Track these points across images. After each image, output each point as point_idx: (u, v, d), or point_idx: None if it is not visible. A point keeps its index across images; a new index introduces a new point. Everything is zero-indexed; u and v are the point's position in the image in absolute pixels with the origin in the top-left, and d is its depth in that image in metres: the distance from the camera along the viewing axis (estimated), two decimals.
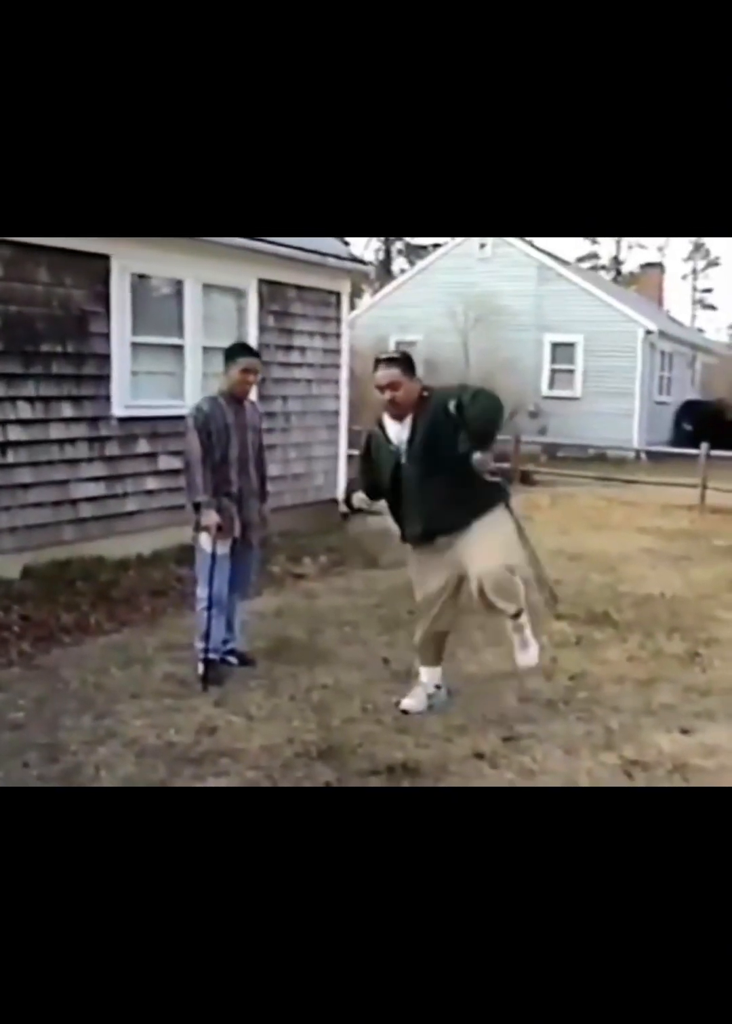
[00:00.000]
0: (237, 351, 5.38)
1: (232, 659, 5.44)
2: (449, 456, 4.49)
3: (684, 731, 4.79)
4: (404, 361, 4.63)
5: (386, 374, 4.55)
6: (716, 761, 4.44)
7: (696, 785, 4.17)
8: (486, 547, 4.53)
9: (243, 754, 4.26)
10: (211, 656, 5.22)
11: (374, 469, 4.80)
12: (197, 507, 5.14)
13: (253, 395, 5.68)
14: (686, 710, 5.09)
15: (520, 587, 4.67)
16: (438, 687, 4.99)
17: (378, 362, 4.64)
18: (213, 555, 5.13)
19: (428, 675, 4.98)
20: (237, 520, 5.23)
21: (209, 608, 5.19)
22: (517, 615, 4.72)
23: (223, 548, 5.20)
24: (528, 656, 4.85)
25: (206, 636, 5.19)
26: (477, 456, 4.45)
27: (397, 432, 4.65)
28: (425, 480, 4.56)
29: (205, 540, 5.18)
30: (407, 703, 4.89)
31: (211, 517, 5.09)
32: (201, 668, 5.16)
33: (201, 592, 5.26)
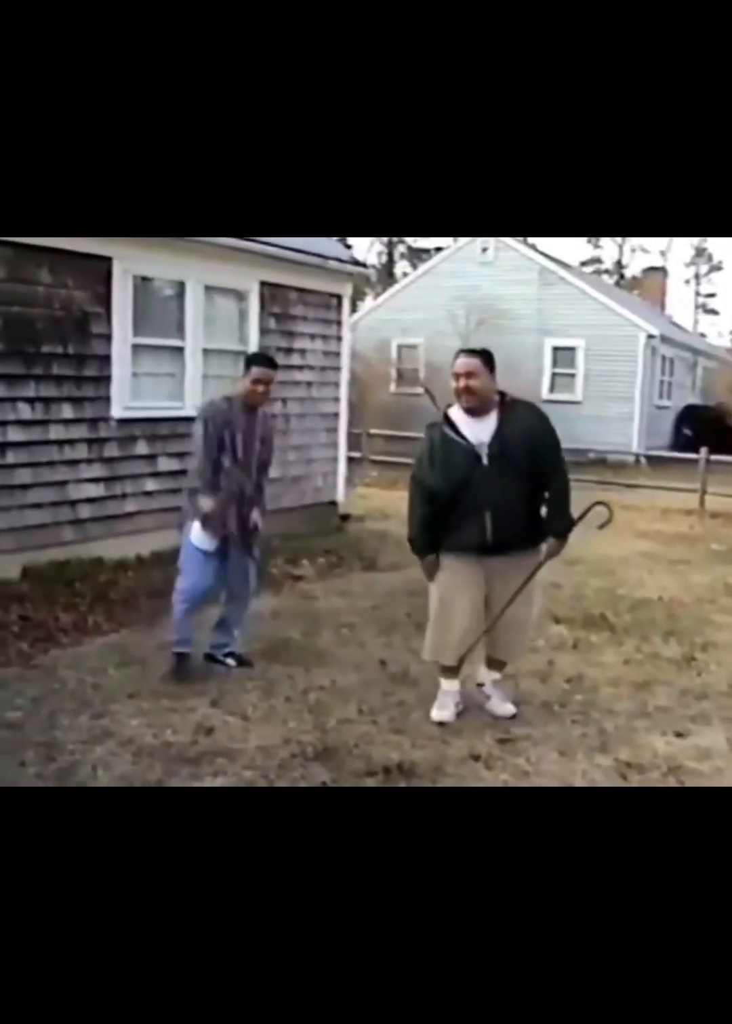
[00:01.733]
0: (252, 360, 5.32)
1: (230, 661, 5.48)
2: (536, 465, 4.49)
3: (679, 734, 4.81)
4: (485, 355, 4.56)
5: (466, 362, 4.48)
6: (710, 764, 4.46)
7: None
8: (519, 599, 4.63)
9: (240, 754, 4.29)
10: (180, 649, 5.31)
11: (442, 473, 4.53)
12: (195, 494, 5.16)
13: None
14: (681, 713, 5.12)
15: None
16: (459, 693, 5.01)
17: (459, 352, 4.60)
18: (199, 549, 5.17)
19: (450, 685, 4.92)
20: (233, 521, 5.23)
21: (185, 602, 5.28)
22: (502, 667, 4.96)
23: (210, 544, 5.18)
24: (506, 708, 4.95)
25: (177, 629, 5.31)
26: (555, 542, 4.66)
27: (476, 431, 4.50)
28: (506, 485, 4.45)
29: (195, 532, 5.17)
30: (440, 715, 4.82)
31: (205, 503, 5.08)
32: (173, 661, 5.28)
33: (180, 584, 5.32)
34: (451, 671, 4.88)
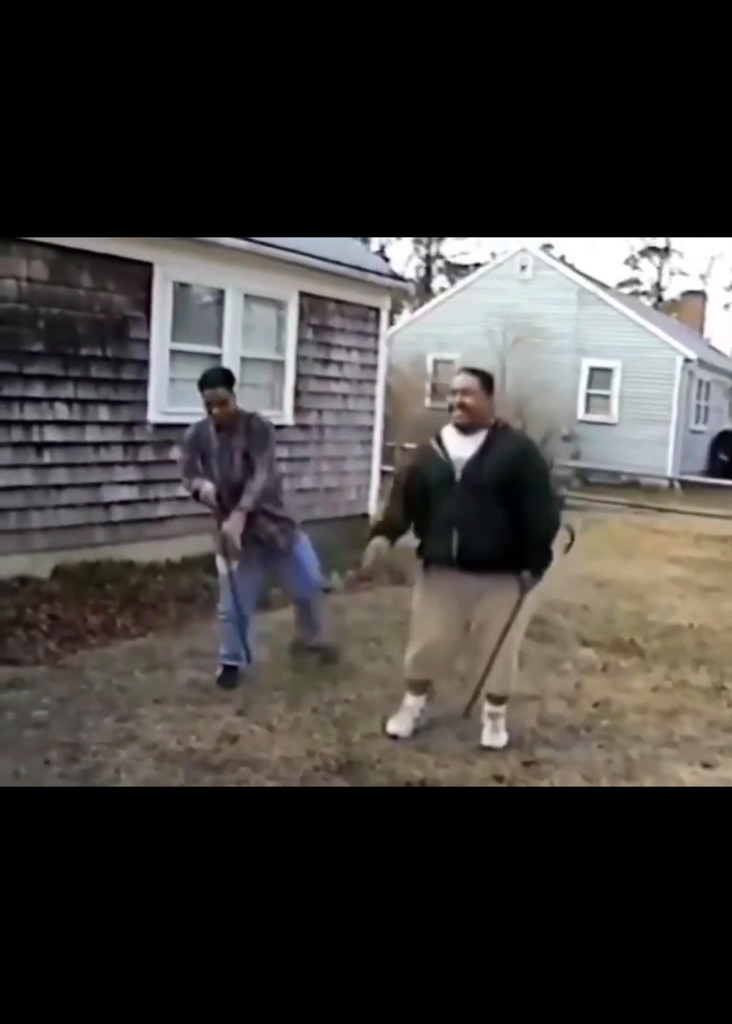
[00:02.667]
0: (199, 384, 5.16)
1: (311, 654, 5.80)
2: (513, 495, 4.45)
3: (706, 765, 4.75)
4: (483, 376, 4.61)
5: (463, 380, 4.53)
6: None
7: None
8: (495, 629, 4.57)
9: (263, 764, 4.28)
10: (227, 662, 5.40)
11: (419, 482, 4.60)
12: (196, 496, 5.23)
13: (294, 411, 5.65)
14: (709, 744, 5.04)
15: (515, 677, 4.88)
16: (422, 711, 4.94)
17: (460, 370, 4.67)
18: (226, 574, 5.31)
19: (414, 701, 4.91)
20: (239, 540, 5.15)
21: (223, 619, 5.43)
22: (501, 701, 4.82)
23: (224, 567, 5.30)
24: (498, 739, 4.82)
25: (224, 644, 5.44)
26: (526, 576, 4.50)
27: (459, 448, 4.53)
28: (477, 505, 4.44)
29: (219, 562, 5.35)
30: (393, 727, 4.83)
31: (205, 486, 5.13)
32: (219, 671, 5.40)
33: (218, 605, 5.51)
34: (416, 686, 4.90)
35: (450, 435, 4.60)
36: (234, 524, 5.08)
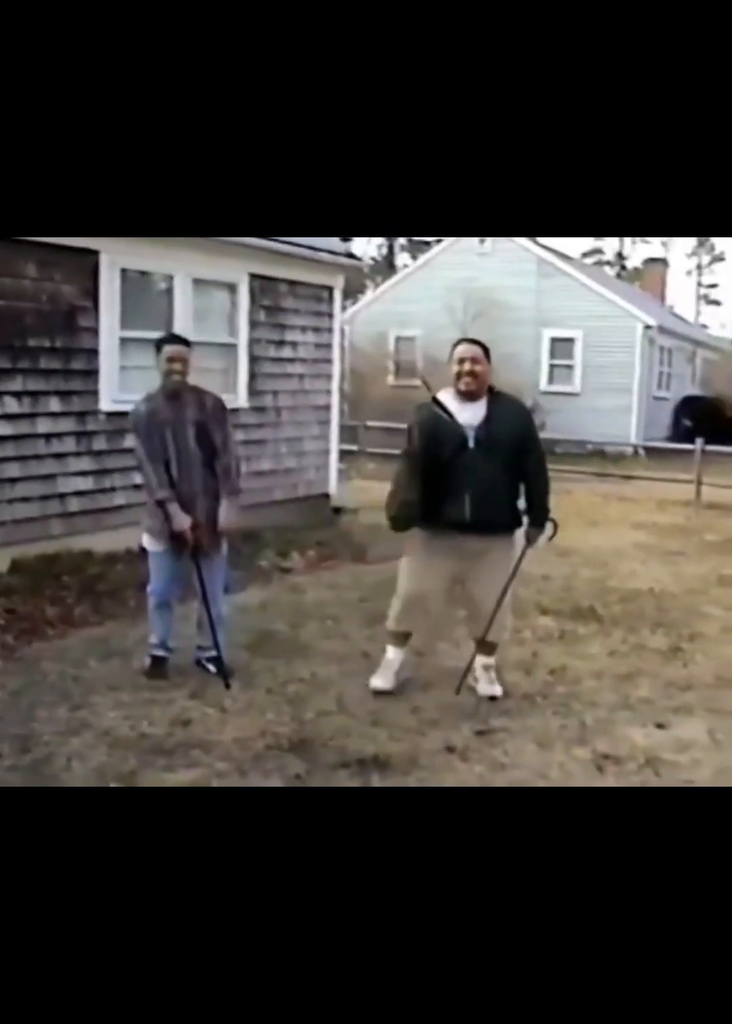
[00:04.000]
0: (163, 340, 5.11)
1: (211, 667, 5.23)
2: (519, 457, 4.79)
3: (659, 726, 4.80)
4: (483, 346, 4.89)
5: (470, 349, 4.80)
6: (689, 756, 4.45)
7: (667, 779, 4.18)
8: (497, 583, 4.89)
9: (215, 746, 4.29)
10: (155, 652, 5.24)
11: (431, 450, 4.68)
12: (162, 504, 4.95)
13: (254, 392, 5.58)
14: (663, 705, 5.10)
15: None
16: (402, 664, 5.16)
17: (461, 341, 4.96)
18: (151, 553, 5.17)
19: (395, 654, 5.13)
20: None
21: (152, 601, 5.25)
22: (494, 651, 5.09)
23: (157, 547, 5.10)
24: (495, 689, 5.08)
25: (153, 629, 5.27)
26: (533, 530, 4.96)
27: (468, 415, 4.75)
28: (490, 468, 4.70)
29: (146, 539, 5.17)
30: (376, 682, 5.05)
31: (182, 521, 4.91)
32: (147, 662, 5.23)
33: (148, 589, 5.30)
34: (398, 638, 5.12)
35: (453, 403, 4.80)
36: (230, 517, 5.08)
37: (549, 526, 5.02)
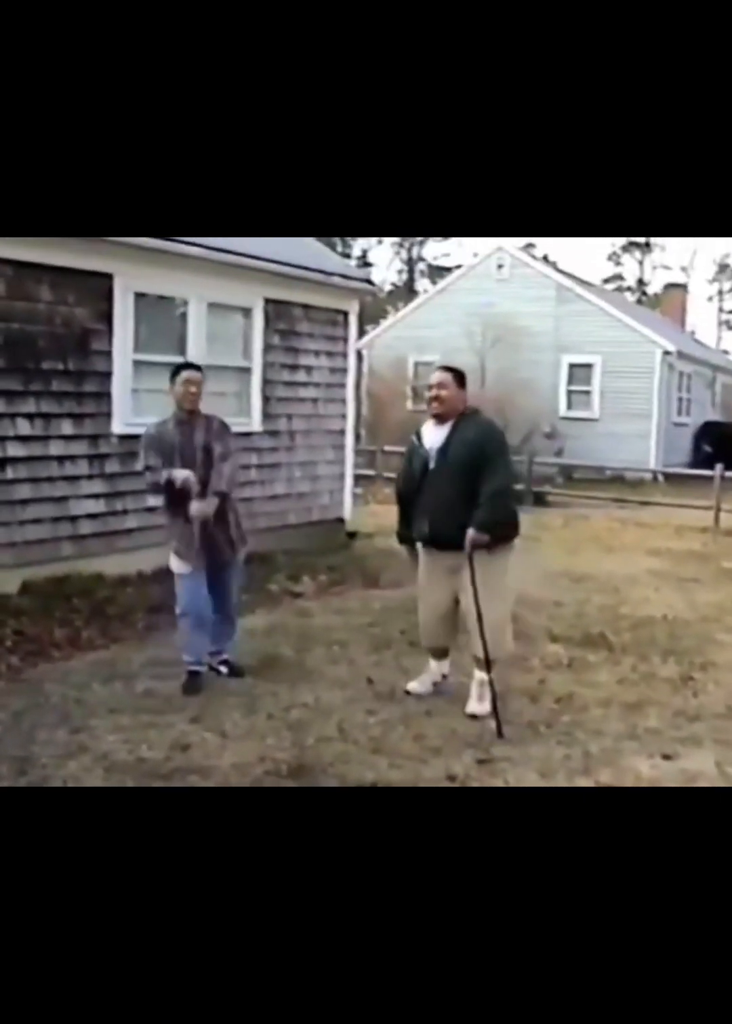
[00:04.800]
0: (178, 367, 5.52)
1: (222, 668, 5.60)
2: (475, 474, 4.92)
3: (666, 757, 4.71)
4: (456, 372, 5.18)
5: (439, 376, 5.11)
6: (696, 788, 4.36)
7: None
8: (490, 607, 4.92)
9: (213, 771, 4.24)
10: (193, 668, 5.38)
11: (404, 475, 5.29)
12: (167, 488, 5.22)
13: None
14: (671, 735, 5.01)
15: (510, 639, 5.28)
16: (445, 676, 5.49)
17: (436, 368, 5.26)
18: (179, 576, 5.37)
19: (436, 666, 5.47)
20: (198, 540, 5.25)
21: (184, 619, 5.41)
22: (486, 667, 5.09)
23: (185, 567, 5.32)
24: (483, 707, 5.10)
25: (188, 649, 5.43)
26: (470, 533, 4.86)
27: (433, 439, 5.09)
28: (444, 487, 4.97)
29: (174, 562, 5.37)
30: (412, 686, 5.42)
31: (180, 473, 5.16)
32: (186, 677, 5.37)
33: (178, 605, 5.46)
34: (434, 653, 5.47)
35: (427, 428, 5.19)
36: (207, 505, 5.18)
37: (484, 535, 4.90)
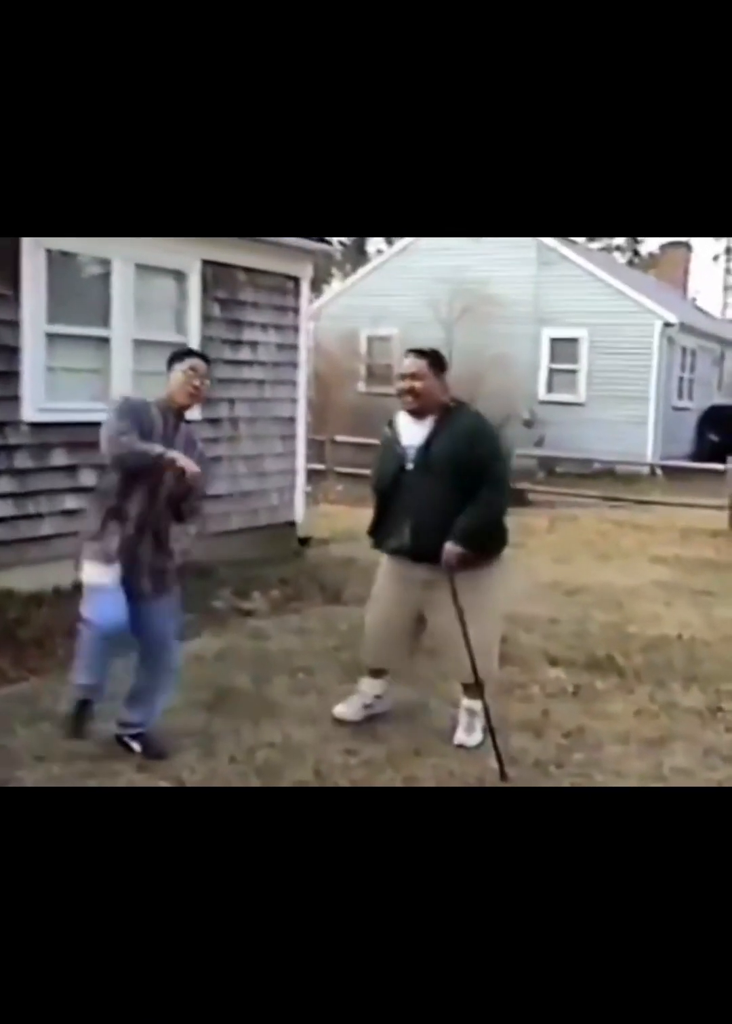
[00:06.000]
0: (184, 352, 5.08)
1: (136, 746, 5.00)
2: (464, 479, 4.96)
3: None
4: (433, 356, 5.12)
5: (410, 363, 5.06)
6: None
7: None
8: (478, 629, 4.99)
9: None
10: (84, 696, 4.95)
11: (377, 473, 5.33)
12: (160, 457, 4.57)
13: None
14: (705, 777, 5.08)
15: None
16: (378, 697, 5.55)
17: (407, 351, 5.18)
18: (92, 589, 4.74)
19: (370, 685, 5.52)
20: (147, 554, 4.81)
21: (94, 629, 4.79)
22: (476, 694, 5.17)
23: (104, 577, 4.70)
24: (473, 739, 5.24)
25: (86, 667, 4.91)
26: (449, 546, 4.92)
27: (411, 434, 5.11)
28: (430, 493, 4.98)
29: (87, 569, 4.76)
30: (338, 710, 5.48)
31: (175, 453, 4.57)
32: (72, 708, 4.97)
33: (87, 611, 4.82)
34: (372, 672, 5.55)
35: (403, 420, 5.20)
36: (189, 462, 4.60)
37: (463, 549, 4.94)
